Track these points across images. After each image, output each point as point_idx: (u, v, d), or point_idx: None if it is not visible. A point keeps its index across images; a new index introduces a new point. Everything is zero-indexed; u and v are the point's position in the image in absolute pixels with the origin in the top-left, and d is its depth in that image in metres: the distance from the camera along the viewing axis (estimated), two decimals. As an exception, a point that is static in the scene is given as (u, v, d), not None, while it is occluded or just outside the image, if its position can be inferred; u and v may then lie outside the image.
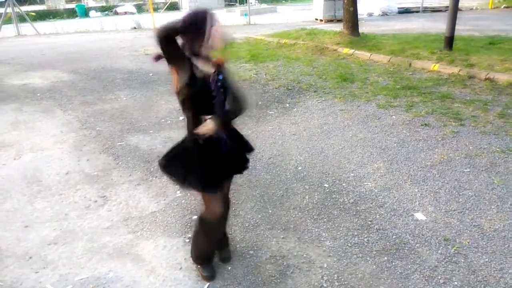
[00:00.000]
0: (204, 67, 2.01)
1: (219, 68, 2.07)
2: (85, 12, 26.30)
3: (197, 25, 1.89)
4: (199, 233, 2.43)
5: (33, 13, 21.05)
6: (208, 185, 2.15)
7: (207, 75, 2.01)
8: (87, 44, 12.48)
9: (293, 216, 3.08)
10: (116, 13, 26.70)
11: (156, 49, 1.95)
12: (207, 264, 2.49)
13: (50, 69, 8.73)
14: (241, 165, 2.38)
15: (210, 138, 2.07)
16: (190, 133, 2.10)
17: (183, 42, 1.95)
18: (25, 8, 21.08)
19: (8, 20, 17.32)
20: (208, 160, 2.12)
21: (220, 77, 2.05)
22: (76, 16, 25.99)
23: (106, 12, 27.24)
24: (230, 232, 2.89)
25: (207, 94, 2.02)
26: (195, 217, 3.10)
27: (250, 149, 2.40)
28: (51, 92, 6.85)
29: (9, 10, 16.73)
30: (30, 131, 5.11)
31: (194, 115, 2.06)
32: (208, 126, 2.01)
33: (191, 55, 1.97)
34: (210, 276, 2.46)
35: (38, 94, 6.75)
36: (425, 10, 16.96)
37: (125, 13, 26.30)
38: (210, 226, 2.35)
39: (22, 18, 17.19)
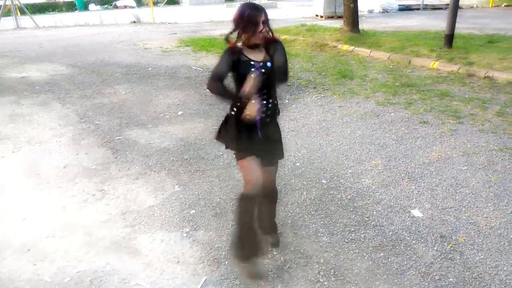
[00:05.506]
0: (252, 55, 2.21)
1: (268, 56, 2.24)
2: (84, 6, 26.14)
3: (252, 21, 2.09)
4: (236, 216, 2.41)
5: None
6: (236, 145, 2.33)
7: (251, 60, 2.19)
8: (86, 38, 12.41)
9: (291, 211, 3.10)
10: (116, 7, 26.55)
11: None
12: (252, 258, 2.40)
13: (48, 62, 8.69)
14: (275, 155, 2.48)
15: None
16: (231, 107, 2.33)
17: (238, 31, 2.16)
18: (25, 1, 20.89)
19: (7, 13, 17.21)
20: (242, 128, 2.28)
21: (268, 64, 2.21)
22: (75, 9, 25.83)
23: (106, 5, 27.07)
24: (228, 227, 2.91)
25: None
26: (193, 211, 3.11)
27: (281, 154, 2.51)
28: (50, 85, 6.82)
29: (8, 2, 16.63)
30: (28, 124, 5.10)
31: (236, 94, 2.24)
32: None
33: (242, 46, 2.19)
34: (257, 273, 2.40)
35: (36, 87, 6.72)
36: (426, 7, 16.94)
37: (125, 6, 26.16)
38: (246, 204, 2.33)
39: (21, 11, 17.08)
